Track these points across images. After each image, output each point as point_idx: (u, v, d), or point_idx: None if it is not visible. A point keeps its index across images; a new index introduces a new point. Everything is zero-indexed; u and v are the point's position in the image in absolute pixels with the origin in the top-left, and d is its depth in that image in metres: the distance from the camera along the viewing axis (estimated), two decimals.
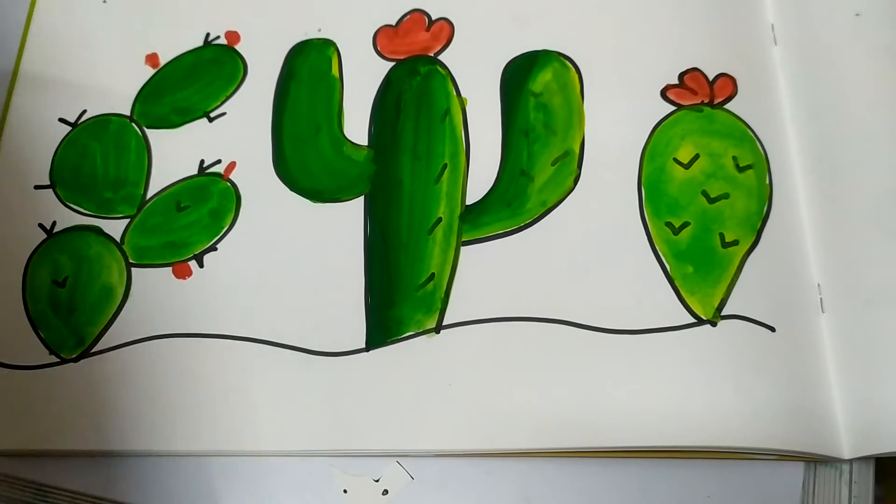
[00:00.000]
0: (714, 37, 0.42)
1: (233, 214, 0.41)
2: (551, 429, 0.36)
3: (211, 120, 0.43)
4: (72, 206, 0.42)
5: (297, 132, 0.42)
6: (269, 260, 0.40)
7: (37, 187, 0.42)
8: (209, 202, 0.41)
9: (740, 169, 0.39)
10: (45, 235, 0.41)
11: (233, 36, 0.45)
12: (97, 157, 0.43)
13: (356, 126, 0.42)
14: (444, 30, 0.43)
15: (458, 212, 0.40)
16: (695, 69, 0.41)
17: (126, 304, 0.40)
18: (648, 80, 0.41)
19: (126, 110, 0.43)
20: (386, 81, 0.43)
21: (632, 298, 0.37)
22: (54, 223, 0.41)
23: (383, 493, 0.36)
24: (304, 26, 0.44)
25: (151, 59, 0.44)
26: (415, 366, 0.37)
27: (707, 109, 0.40)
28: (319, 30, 0.44)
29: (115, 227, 0.41)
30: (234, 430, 0.37)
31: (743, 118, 0.40)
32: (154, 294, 0.40)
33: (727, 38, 0.41)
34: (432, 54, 0.43)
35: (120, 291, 0.40)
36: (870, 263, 0.37)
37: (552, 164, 0.40)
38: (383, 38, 0.44)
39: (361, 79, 0.43)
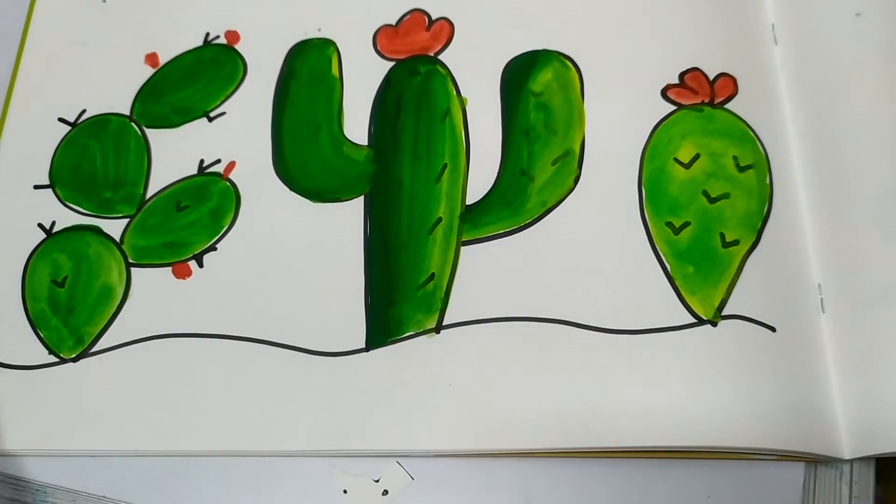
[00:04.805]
0: (714, 36, 0.42)
1: (232, 214, 0.41)
2: (551, 429, 0.36)
3: (210, 119, 0.43)
4: (71, 205, 0.42)
5: (297, 132, 0.42)
6: (269, 260, 0.40)
7: (36, 187, 0.42)
8: (209, 202, 0.41)
9: (741, 169, 0.39)
10: (44, 235, 0.41)
11: (232, 35, 0.45)
12: (97, 157, 0.43)
13: (356, 126, 0.42)
14: (444, 29, 0.43)
15: (458, 212, 0.40)
16: (695, 69, 0.41)
17: (125, 304, 0.39)
18: (649, 79, 0.41)
19: (126, 110, 0.43)
20: (386, 81, 0.43)
21: (632, 298, 0.37)
22: (54, 223, 0.41)
23: (383, 494, 0.36)
24: (304, 26, 0.44)
25: (151, 58, 0.44)
26: (415, 366, 0.37)
27: (707, 109, 0.40)
28: (319, 29, 0.44)
29: (114, 227, 0.41)
30: (234, 430, 0.37)
31: (743, 118, 0.40)
32: (153, 294, 0.40)
33: (728, 38, 0.41)
34: (432, 54, 0.43)
35: (119, 291, 0.40)
36: (870, 263, 0.37)
37: (552, 164, 0.40)
38: (383, 38, 0.44)
39: (361, 78, 0.43)
